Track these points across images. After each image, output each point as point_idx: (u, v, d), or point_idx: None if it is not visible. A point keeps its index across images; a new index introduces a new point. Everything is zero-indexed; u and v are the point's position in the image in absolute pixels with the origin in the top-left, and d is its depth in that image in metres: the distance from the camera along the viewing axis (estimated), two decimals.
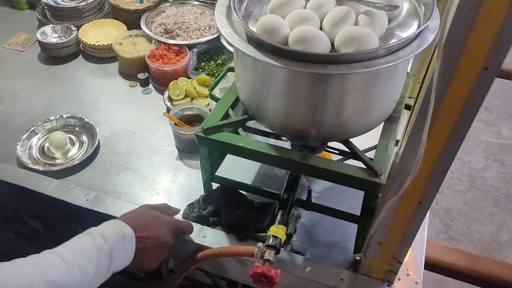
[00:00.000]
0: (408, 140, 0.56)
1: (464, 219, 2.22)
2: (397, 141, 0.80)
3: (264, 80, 0.72)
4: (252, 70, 0.73)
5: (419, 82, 1.16)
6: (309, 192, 0.88)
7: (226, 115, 0.83)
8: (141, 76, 1.25)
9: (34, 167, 0.98)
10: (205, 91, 1.16)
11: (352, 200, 0.81)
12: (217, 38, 1.31)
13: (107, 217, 0.75)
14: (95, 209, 0.85)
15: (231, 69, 0.95)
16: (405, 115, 0.92)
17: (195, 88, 1.16)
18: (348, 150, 0.78)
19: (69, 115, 1.12)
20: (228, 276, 0.86)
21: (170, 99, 1.17)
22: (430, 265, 1.04)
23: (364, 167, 0.72)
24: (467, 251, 2.04)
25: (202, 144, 0.79)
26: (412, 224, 0.65)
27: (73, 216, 0.89)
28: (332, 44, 0.68)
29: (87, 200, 0.87)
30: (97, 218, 0.70)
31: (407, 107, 0.89)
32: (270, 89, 0.72)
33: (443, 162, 0.55)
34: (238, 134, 0.80)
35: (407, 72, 0.89)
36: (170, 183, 0.98)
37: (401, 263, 0.72)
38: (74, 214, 0.87)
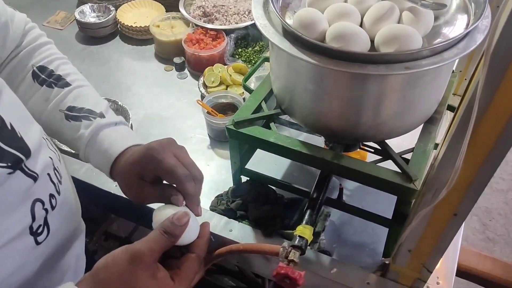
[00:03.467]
0: (447, 150, 0.53)
1: (504, 220, 2.13)
2: (436, 144, 0.76)
3: (299, 76, 0.69)
4: (286, 64, 0.71)
5: (465, 79, 1.10)
6: (341, 190, 0.85)
7: (259, 108, 0.81)
8: (177, 60, 1.24)
9: (66, 148, 0.99)
10: (241, 79, 1.14)
11: (385, 201, 0.78)
12: None
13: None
14: (124, 196, 0.86)
15: (267, 59, 0.93)
16: (447, 115, 0.88)
17: (230, 75, 1.14)
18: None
19: (103, 98, 1.12)
20: (253, 271, 0.85)
21: (205, 86, 1.16)
22: (462, 272, 1.00)
23: (399, 171, 0.69)
24: (504, 253, 1.98)
25: (233, 137, 0.78)
26: (445, 235, 0.62)
27: (104, 201, 0.91)
28: (373, 41, 0.64)
29: (116, 186, 0.88)
30: (127, 204, 0.69)
31: (450, 107, 0.84)
32: (304, 85, 0.70)
33: (482, 176, 0.52)
34: (270, 128, 0.78)
35: (453, 70, 0.84)
36: None
37: (431, 272, 0.69)
38: (105, 199, 0.89)
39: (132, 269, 0.51)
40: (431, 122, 0.77)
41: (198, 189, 0.62)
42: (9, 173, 0.51)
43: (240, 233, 0.81)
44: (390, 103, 0.67)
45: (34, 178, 0.56)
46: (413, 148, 0.74)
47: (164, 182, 0.63)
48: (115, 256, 0.53)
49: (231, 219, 0.83)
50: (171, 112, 1.13)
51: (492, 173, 0.51)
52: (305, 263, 0.76)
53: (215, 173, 0.98)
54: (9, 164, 0.51)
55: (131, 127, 1.08)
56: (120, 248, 0.53)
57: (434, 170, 0.57)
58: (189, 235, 0.58)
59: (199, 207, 0.62)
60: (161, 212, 0.59)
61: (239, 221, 0.83)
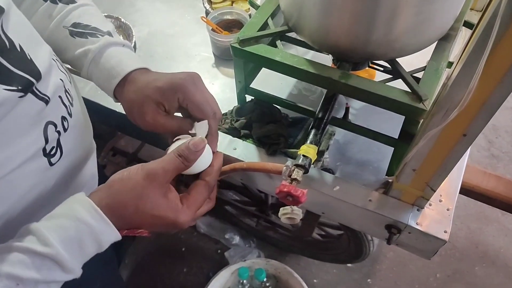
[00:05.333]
0: (462, 68, 0.50)
1: (510, 137, 2.13)
2: (450, 63, 0.73)
3: None
4: None
5: None
6: (347, 109, 0.84)
7: (265, 25, 0.78)
8: None
9: (69, 67, 0.97)
10: None
11: (391, 121, 0.77)
12: None
13: None
14: None
15: None
16: (463, 32, 0.83)
17: None
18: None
19: (105, 14, 1.08)
20: (256, 187, 0.87)
21: (210, 1, 1.10)
22: (465, 190, 1.01)
23: (408, 90, 0.67)
24: (508, 169, 2.00)
25: (237, 55, 0.75)
26: (452, 155, 0.61)
27: (109, 120, 0.90)
28: None
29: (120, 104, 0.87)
30: (132, 123, 0.69)
31: (467, 24, 0.79)
32: None
33: (497, 97, 0.50)
34: (276, 46, 0.75)
35: None
36: None
37: (435, 191, 0.70)
38: (110, 117, 0.88)
39: (146, 185, 0.53)
40: (445, 39, 0.73)
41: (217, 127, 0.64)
42: (21, 97, 0.51)
43: (244, 151, 0.81)
44: (403, 18, 0.63)
45: (46, 101, 0.55)
46: (425, 66, 0.71)
47: (178, 114, 0.63)
48: (131, 171, 0.54)
49: (235, 138, 0.83)
50: (175, 30, 1.09)
51: (508, 94, 0.49)
52: (308, 181, 0.77)
53: (220, 91, 0.96)
54: (20, 87, 0.50)
55: (135, 45, 1.04)
56: (135, 165, 0.55)
57: (446, 90, 0.55)
58: (201, 164, 0.59)
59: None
60: (178, 142, 0.60)
61: (243, 140, 0.83)
